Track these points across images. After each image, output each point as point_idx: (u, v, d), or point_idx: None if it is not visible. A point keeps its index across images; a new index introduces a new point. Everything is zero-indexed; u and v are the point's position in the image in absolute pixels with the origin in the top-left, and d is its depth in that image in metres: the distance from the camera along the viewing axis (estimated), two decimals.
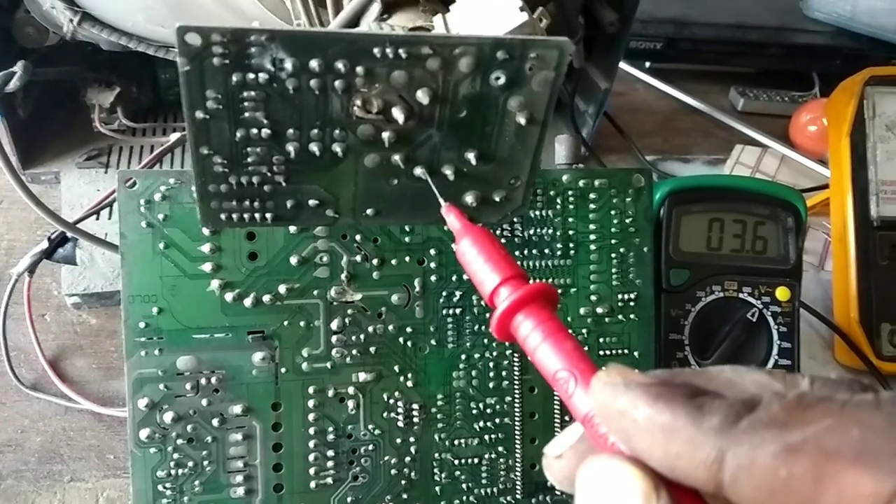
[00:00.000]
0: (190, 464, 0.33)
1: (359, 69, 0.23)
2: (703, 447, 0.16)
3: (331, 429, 0.35)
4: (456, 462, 0.36)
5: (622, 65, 0.73)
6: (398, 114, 0.23)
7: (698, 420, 0.16)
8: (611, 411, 0.17)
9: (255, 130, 0.24)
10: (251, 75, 0.22)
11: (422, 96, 0.23)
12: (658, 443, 0.16)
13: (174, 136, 0.44)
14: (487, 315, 0.36)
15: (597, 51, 0.58)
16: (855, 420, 0.15)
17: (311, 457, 0.35)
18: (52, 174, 0.54)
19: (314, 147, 0.24)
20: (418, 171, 0.26)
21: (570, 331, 0.20)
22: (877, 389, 0.16)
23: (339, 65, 0.22)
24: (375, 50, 0.22)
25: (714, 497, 0.16)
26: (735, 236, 0.42)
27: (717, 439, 0.15)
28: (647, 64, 0.77)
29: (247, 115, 0.23)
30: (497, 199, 0.27)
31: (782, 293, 0.41)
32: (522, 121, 0.25)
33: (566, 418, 0.37)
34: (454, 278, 0.36)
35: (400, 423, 0.35)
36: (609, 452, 0.17)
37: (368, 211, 0.27)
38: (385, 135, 0.24)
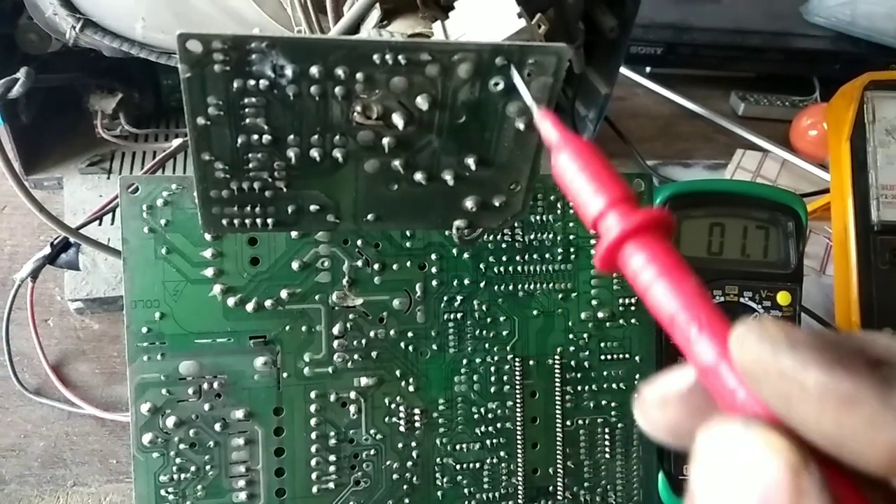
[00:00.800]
0: (192, 468, 0.33)
1: (359, 75, 0.23)
2: (887, 428, 0.13)
3: (332, 433, 0.35)
4: (457, 467, 0.36)
5: (622, 70, 0.74)
6: (398, 119, 0.24)
7: (886, 395, 0.13)
8: (769, 371, 0.14)
9: (255, 136, 0.24)
10: (252, 82, 0.22)
11: (421, 102, 0.24)
12: (830, 415, 0.14)
13: (176, 142, 0.44)
14: (488, 320, 0.36)
15: (597, 56, 0.59)
16: None
17: (313, 461, 0.35)
18: (55, 180, 0.54)
19: (315, 153, 0.24)
20: (418, 175, 0.26)
21: (691, 268, 0.17)
22: None
23: (339, 71, 0.22)
24: (375, 56, 0.22)
25: (874, 484, 0.14)
26: (736, 241, 0.42)
27: None
28: (648, 69, 0.77)
29: (248, 121, 0.23)
30: (497, 203, 0.27)
31: (783, 298, 0.41)
32: (521, 126, 0.25)
33: (567, 423, 0.37)
34: (455, 283, 0.36)
35: (401, 428, 0.36)
36: (741, 413, 0.15)
37: (369, 216, 0.27)
38: (385, 140, 0.24)
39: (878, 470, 0.13)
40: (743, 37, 0.75)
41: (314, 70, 0.22)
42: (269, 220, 0.26)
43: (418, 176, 0.26)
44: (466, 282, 0.36)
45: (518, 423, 0.37)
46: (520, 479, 0.37)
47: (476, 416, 0.36)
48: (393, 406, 0.35)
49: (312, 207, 0.26)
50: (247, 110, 0.23)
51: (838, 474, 0.14)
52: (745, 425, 0.14)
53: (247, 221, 0.26)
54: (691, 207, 0.42)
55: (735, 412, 0.15)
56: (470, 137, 0.25)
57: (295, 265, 0.34)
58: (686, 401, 0.16)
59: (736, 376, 0.15)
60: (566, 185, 0.20)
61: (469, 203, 0.27)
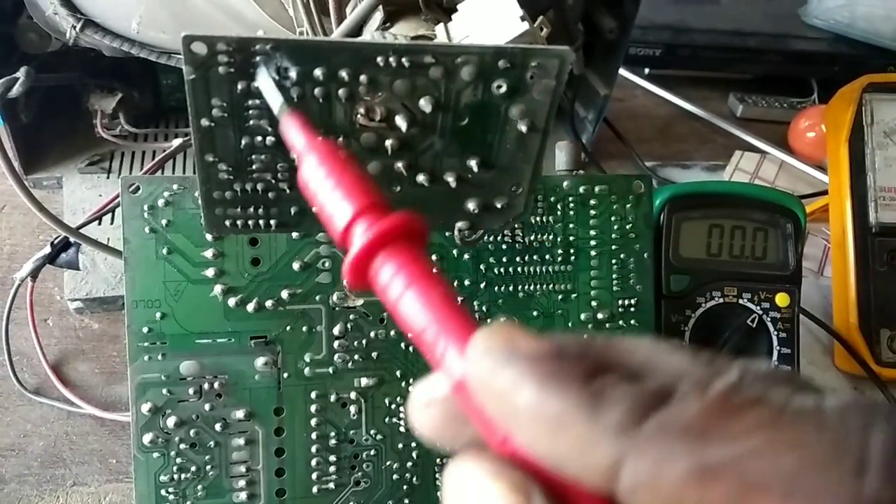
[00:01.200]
0: (193, 468, 0.34)
1: (362, 78, 0.23)
2: (597, 449, 0.12)
3: (333, 434, 0.35)
4: None
5: (621, 71, 0.74)
6: (401, 122, 0.24)
7: (594, 413, 0.13)
8: (488, 389, 0.14)
9: (259, 138, 0.24)
10: (256, 84, 0.22)
11: (424, 104, 0.24)
12: (542, 438, 0.13)
13: (176, 142, 0.44)
14: (489, 321, 0.36)
15: (596, 57, 0.59)
16: (791, 441, 0.12)
17: (314, 462, 0.35)
18: (55, 179, 0.54)
19: None
20: (421, 177, 0.26)
21: (442, 276, 0.16)
22: (819, 391, 0.13)
23: (343, 73, 0.23)
24: (379, 59, 0.22)
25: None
26: (735, 242, 0.42)
27: (615, 441, 0.12)
28: (647, 70, 0.78)
29: (251, 122, 0.23)
30: (499, 205, 0.28)
31: (782, 299, 0.41)
32: (524, 129, 0.25)
33: None
34: (455, 284, 0.36)
35: (402, 429, 0.36)
36: (487, 430, 0.14)
37: None
38: (388, 142, 0.25)
39: (601, 487, 0.13)
40: (742, 38, 0.75)
41: (318, 72, 0.22)
42: (272, 222, 0.27)
43: (421, 177, 0.26)
44: (466, 283, 0.36)
45: None
46: None
47: None
48: (393, 406, 0.36)
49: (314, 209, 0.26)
50: (251, 112, 0.23)
51: (586, 497, 0.13)
52: (471, 468, 0.14)
53: (250, 222, 0.26)
54: (691, 209, 0.42)
55: (483, 429, 0.14)
56: (472, 139, 0.25)
57: (296, 265, 0.34)
58: (446, 406, 0.16)
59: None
60: (312, 195, 0.18)
61: (471, 205, 0.27)
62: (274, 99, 0.21)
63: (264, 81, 0.21)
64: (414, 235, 0.16)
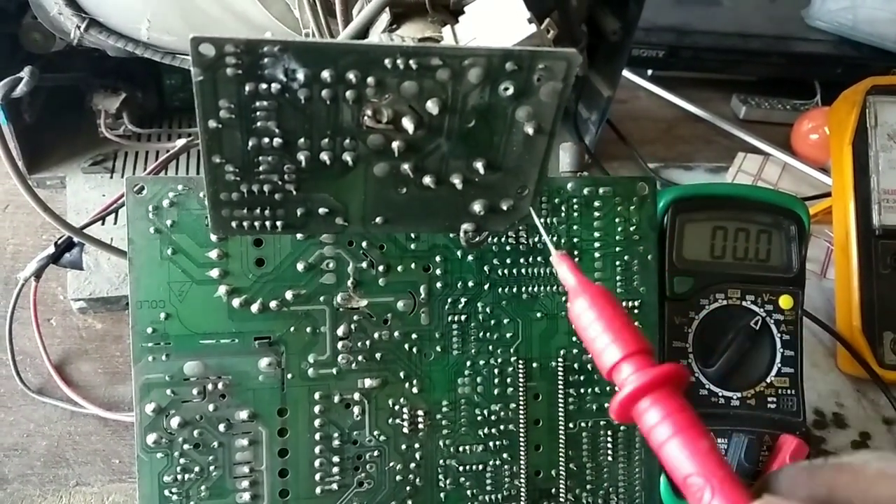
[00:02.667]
0: (196, 469, 0.34)
1: (370, 79, 0.23)
2: None
3: (336, 435, 0.35)
4: (460, 468, 0.36)
5: (624, 73, 0.74)
6: (408, 123, 0.24)
7: None
8: None
9: (266, 139, 0.24)
10: (263, 85, 0.22)
11: (431, 106, 0.24)
12: None
13: (180, 142, 0.44)
14: (492, 322, 0.36)
15: (600, 59, 0.59)
16: None
17: (317, 462, 0.35)
18: (58, 179, 0.54)
19: (325, 156, 0.25)
20: (427, 179, 0.26)
21: (704, 426, 0.18)
22: None
23: (351, 75, 0.23)
24: (386, 61, 0.22)
25: None
26: (738, 244, 0.42)
27: None
28: (650, 72, 0.78)
29: (259, 124, 0.23)
30: (504, 207, 0.28)
31: (785, 301, 0.41)
32: (530, 131, 0.25)
33: (570, 425, 0.37)
34: (459, 285, 0.36)
35: (405, 430, 0.36)
36: None
37: (377, 219, 0.27)
38: (395, 144, 0.25)
39: None
40: (745, 40, 0.76)
41: (326, 74, 0.22)
42: (279, 223, 0.27)
43: (427, 179, 0.26)
44: (470, 284, 0.36)
45: (521, 426, 0.37)
46: (522, 481, 0.37)
47: (479, 418, 0.37)
48: (397, 407, 0.36)
49: (321, 210, 0.27)
50: (258, 114, 0.23)
51: None
52: None
53: (256, 224, 0.26)
54: (694, 211, 0.42)
55: None
56: (479, 141, 0.25)
57: (300, 266, 0.34)
58: None
59: None
60: (582, 330, 0.20)
61: (477, 207, 0.27)
62: (548, 240, 0.26)
63: (539, 225, 0.25)
64: (678, 382, 0.18)
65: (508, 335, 0.37)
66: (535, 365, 0.37)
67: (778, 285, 0.42)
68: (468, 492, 0.37)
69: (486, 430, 0.37)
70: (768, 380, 0.41)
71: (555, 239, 0.37)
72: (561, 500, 0.37)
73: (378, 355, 0.35)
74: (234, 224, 0.26)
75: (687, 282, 0.41)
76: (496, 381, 0.37)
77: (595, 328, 0.20)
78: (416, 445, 0.36)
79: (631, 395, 0.18)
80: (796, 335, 0.42)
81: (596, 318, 0.20)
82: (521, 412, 0.37)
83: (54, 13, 0.44)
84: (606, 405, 0.38)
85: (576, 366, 0.37)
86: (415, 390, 0.36)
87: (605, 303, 0.20)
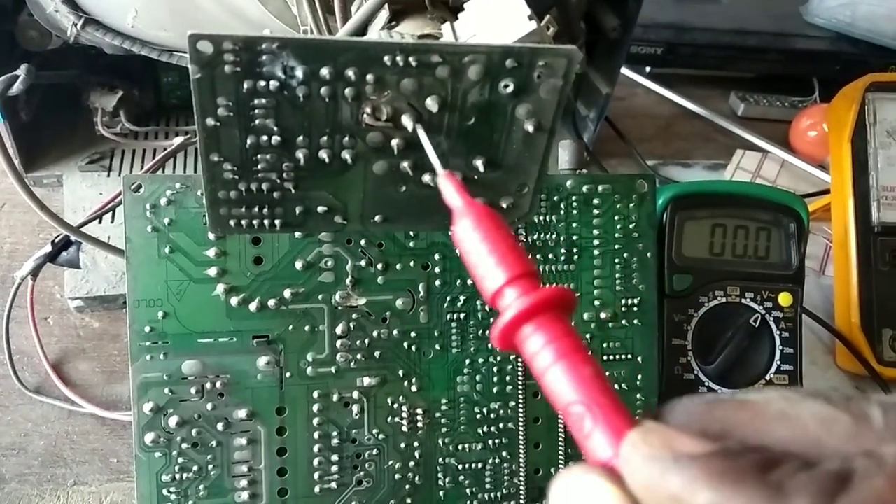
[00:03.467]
0: (194, 468, 0.33)
1: (369, 77, 0.23)
2: None
3: (335, 433, 0.35)
4: (459, 467, 0.36)
5: (623, 70, 0.74)
6: (407, 121, 0.24)
7: None
8: (659, 494, 0.14)
9: (265, 137, 0.24)
10: (262, 83, 0.22)
11: (431, 104, 0.23)
12: None
13: (177, 140, 0.44)
14: (492, 320, 0.36)
15: (598, 56, 0.59)
16: None
17: (316, 461, 0.35)
18: (55, 177, 0.54)
19: (323, 154, 0.24)
20: (427, 177, 0.26)
21: (589, 352, 0.17)
22: None
23: (350, 72, 0.22)
24: (386, 58, 0.22)
25: None
26: (738, 242, 0.42)
27: None
28: (648, 69, 0.77)
29: (257, 122, 0.23)
30: (504, 205, 0.27)
31: (784, 299, 0.41)
32: (530, 128, 0.25)
33: None
34: (458, 283, 0.36)
35: (404, 428, 0.36)
36: None
37: (377, 217, 0.27)
38: (394, 142, 0.24)
39: None
40: (743, 37, 0.75)
41: (324, 71, 0.22)
42: (277, 221, 0.26)
43: (426, 177, 0.26)
44: (469, 282, 0.36)
45: (520, 424, 0.37)
46: (522, 479, 0.37)
47: (478, 417, 0.36)
48: (395, 406, 0.35)
49: (320, 208, 0.26)
50: (256, 111, 0.23)
51: None
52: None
53: (254, 222, 0.26)
54: (694, 208, 0.42)
55: None
56: (479, 139, 0.25)
57: (298, 265, 0.34)
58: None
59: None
60: (465, 254, 0.19)
61: None
62: (434, 159, 0.23)
63: (425, 142, 0.23)
64: (564, 308, 0.17)
65: None
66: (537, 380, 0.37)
67: (777, 282, 0.42)
68: (467, 490, 0.36)
69: (485, 429, 0.37)
70: (767, 377, 0.41)
71: (554, 236, 0.37)
72: None
73: (377, 354, 0.35)
74: (232, 222, 0.26)
75: (686, 279, 0.41)
76: (495, 379, 0.37)
77: (479, 251, 0.18)
78: (415, 444, 0.36)
79: (513, 320, 0.17)
80: (795, 332, 0.42)
81: (480, 240, 0.18)
82: (521, 410, 0.37)
83: (51, 10, 0.44)
84: None
85: None
86: (414, 389, 0.36)
87: (491, 225, 0.19)
